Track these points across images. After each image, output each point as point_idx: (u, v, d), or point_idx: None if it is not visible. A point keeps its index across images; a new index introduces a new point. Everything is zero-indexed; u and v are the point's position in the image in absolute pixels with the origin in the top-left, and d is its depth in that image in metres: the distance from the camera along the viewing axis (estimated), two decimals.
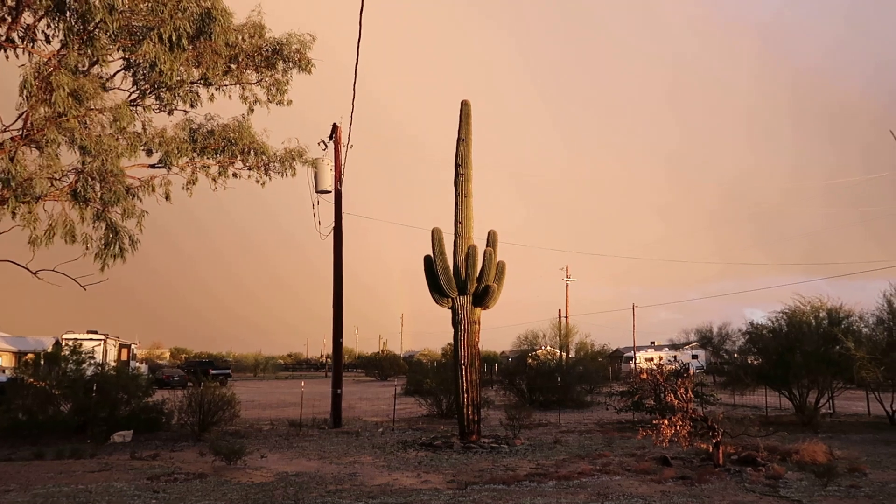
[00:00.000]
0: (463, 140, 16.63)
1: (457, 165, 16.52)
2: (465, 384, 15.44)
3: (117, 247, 12.21)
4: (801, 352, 19.00)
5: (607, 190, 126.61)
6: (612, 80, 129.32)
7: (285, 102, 13.92)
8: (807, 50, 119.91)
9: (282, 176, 14.50)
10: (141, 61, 11.38)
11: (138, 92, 12.71)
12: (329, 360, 53.98)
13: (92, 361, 17.50)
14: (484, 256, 15.90)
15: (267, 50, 13.20)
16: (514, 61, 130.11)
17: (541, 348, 45.03)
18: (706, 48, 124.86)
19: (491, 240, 16.52)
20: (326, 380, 34.44)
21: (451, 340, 16.52)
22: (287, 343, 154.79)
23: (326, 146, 21.10)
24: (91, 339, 31.42)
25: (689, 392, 12.12)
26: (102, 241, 12.05)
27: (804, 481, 10.36)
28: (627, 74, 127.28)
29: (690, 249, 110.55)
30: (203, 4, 11.50)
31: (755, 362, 22.40)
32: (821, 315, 20.28)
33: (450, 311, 15.98)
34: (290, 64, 13.47)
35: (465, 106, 16.83)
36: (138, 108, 12.77)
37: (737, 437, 12.27)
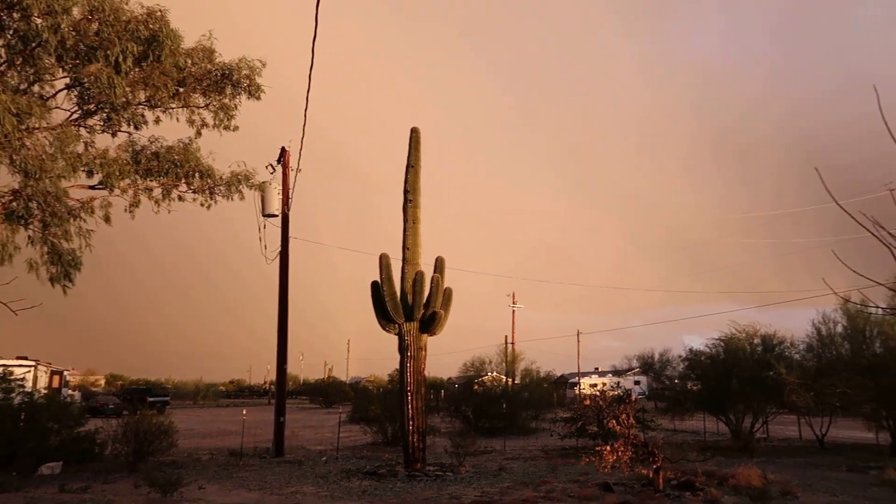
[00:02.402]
0: (412, 166, 16.75)
1: (406, 192, 16.61)
2: (410, 411, 15.36)
3: (61, 269, 11.83)
4: (737, 378, 19.66)
5: (553, 220, 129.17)
6: (562, 118, 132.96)
7: (232, 128, 13.77)
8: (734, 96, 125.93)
9: (228, 199, 14.28)
10: (86, 81, 11.11)
11: (81, 112, 12.40)
12: (272, 386, 52.82)
13: (21, 389, 16.71)
14: (431, 283, 15.97)
15: (216, 74, 13.07)
16: (467, 94, 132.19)
17: (487, 374, 45.16)
18: (646, 86, 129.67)
19: (438, 266, 16.62)
20: (269, 407, 33.67)
21: (398, 367, 16.45)
22: (229, 369, 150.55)
23: (274, 170, 20.95)
24: (21, 366, 29.94)
25: (631, 418, 12.37)
26: (49, 264, 11.66)
27: None
28: (576, 115, 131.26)
29: (632, 278, 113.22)
30: (151, 27, 11.37)
31: (694, 388, 23.04)
32: (755, 342, 21.06)
33: (397, 337, 15.94)
34: (239, 89, 13.38)
35: (414, 133, 16.99)
36: (81, 128, 12.45)
37: (676, 462, 12.54)
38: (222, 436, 25.39)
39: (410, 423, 15.31)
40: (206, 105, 13.42)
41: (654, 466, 11.74)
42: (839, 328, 19.69)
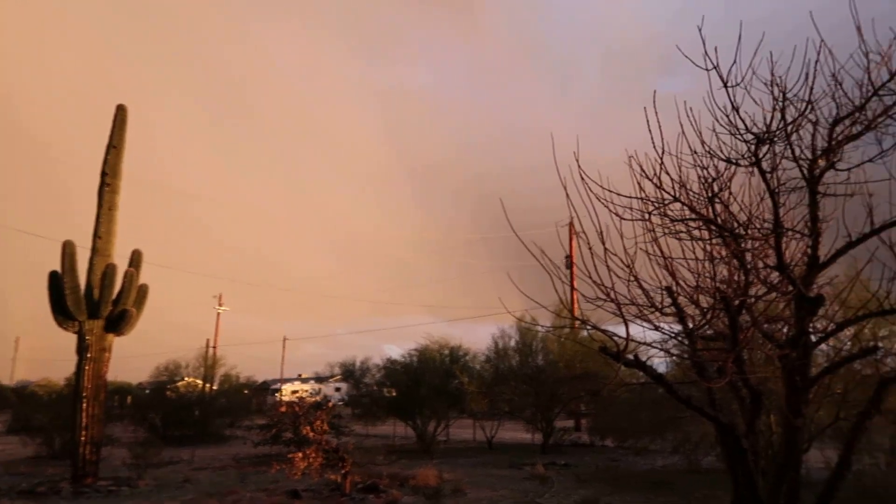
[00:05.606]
0: (114, 147, 15.22)
1: (103, 174, 15.02)
2: (85, 419, 13.76)
3: None
4: (427, 385, 21.29)
5: (268, 226, 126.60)
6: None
7: None
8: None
9: None
10: None
11: None
12: None
13: None
14: (124, 277, 14.57)
15: None
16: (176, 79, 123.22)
17: (183, 379, 42.33)
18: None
19: (134, 260, 15.25)
20: None
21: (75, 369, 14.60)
22: None
23: None
24: None
25: (325, 424, 12.63)
26: None
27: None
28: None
29: (340, 287, 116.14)
30: None
31: (390, 394, 24.35)
32: (445, 353, 23.06)
33: (76, 335, 14.18)
34: None
35: (120, 111, 15.47)
36: None
37: (364, 466, 13.12)
38: None
39: (84, 432, 13.71)
40: None
41: (343, 471, 12.14)
42: (512, 342, 22.61)
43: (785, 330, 5.95)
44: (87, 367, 14.04)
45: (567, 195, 5.64)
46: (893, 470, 10.27)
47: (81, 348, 14.16)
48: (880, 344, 7.27)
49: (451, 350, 23.01)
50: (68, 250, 14.31)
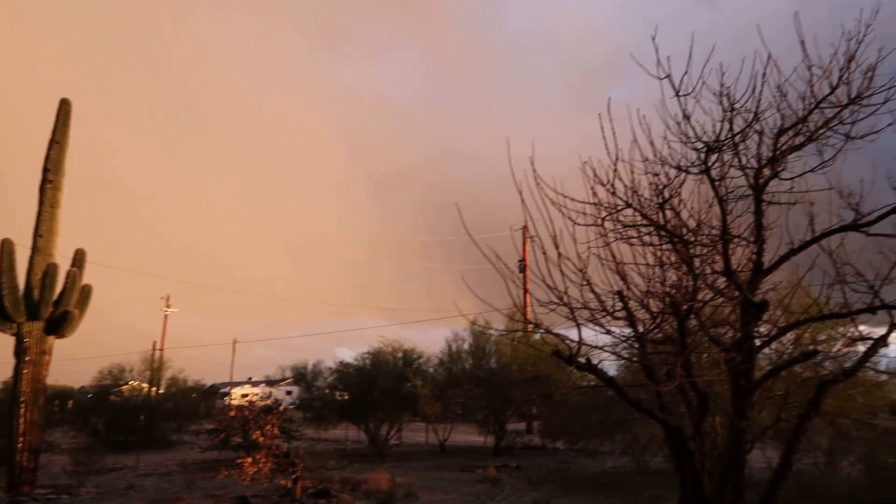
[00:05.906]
0: (57, 142, 14.72)
1: (45, 170, 14.52)
2: (22, 425, 13.23)
3: None
4: (380, 389, 21.17)
5: (217, 224, 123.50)
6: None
7: None
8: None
9: None
10: None
11: None
12: None
13: None
14: (66, 277, 14.06)
15: None
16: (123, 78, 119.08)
17: (128, 383, 41.16)
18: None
19: (78, 259, 14.74)
20: None
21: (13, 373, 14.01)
22: None
23: None
24: None
25: (276, 428, 12.42)
26: None
27: None
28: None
29: (294, 290, 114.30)
30: None
31: (343, 397, 24.12)
32: (398, 356, 22.98)
33: (14, 338, 13.62)
34: None
35: (64, 105, 14.97)
36: None
37: (315, 470, 12.96)
38: None
39: (21, 438, 13.20)
40: None
41: (294, 476, 11.95)
42: (466, 345, 22.67)
43: (730, 334, 6.12)
44: (25, 371, 13.50)
45: (522, 199, 5.69)
46: (832, 469, 10.65)
47: (19, 351, 13.62)
48: (820, 348, 7.53)
49: (404, 353, 22.94)
50: (6, 248, 13.75)
